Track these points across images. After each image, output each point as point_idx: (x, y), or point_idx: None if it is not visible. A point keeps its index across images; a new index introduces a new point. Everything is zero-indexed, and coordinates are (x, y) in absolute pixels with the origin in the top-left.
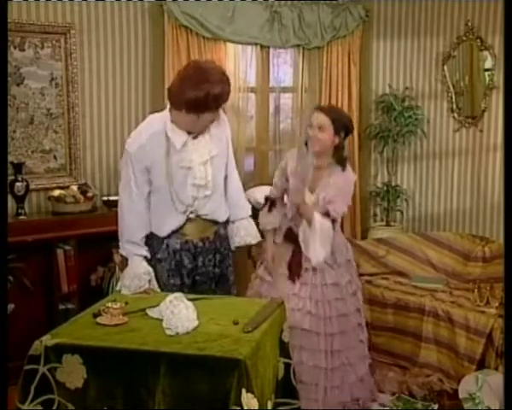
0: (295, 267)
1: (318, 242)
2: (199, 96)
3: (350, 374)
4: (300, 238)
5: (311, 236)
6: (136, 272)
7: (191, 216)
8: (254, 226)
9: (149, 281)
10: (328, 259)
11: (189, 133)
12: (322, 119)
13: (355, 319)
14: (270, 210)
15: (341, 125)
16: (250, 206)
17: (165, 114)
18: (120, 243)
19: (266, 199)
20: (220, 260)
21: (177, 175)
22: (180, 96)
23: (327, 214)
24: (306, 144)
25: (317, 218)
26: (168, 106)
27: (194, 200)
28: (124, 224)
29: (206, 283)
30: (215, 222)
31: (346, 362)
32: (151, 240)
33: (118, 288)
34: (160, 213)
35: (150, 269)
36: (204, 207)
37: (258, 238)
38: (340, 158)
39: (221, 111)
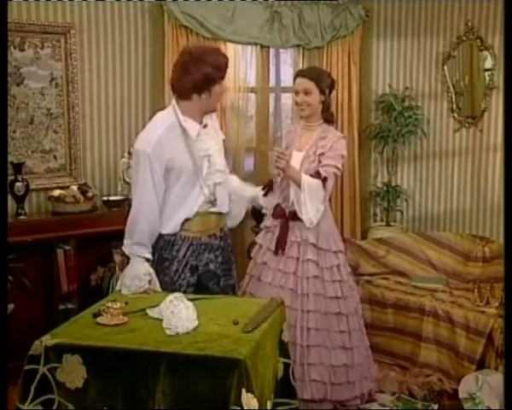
0: (281, 241)
1: (308, 202)
2: (206, 71)
3: (326, 357)
4: (294, 202)
5: (301, 196)
6: (137, 273)
7: (210, 208)
8: None
9: (149, 281)
10: (312, 238)
11: (199, 123)
12: (306, 83)
13: (334, 305)
14: (265, 195)
15: (325, 84)
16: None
17: (173, 109)
18: (127, 242)
19: (267, 183)
20: (225, 257)
21: (198, 162)
22: (187, 83)
23: (317, 174)
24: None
25: (305, 178)
26: (174, 101)
27: (215, 186)
28: (137, 226)
29: (212, 280)
30: (220, 216)
31: (322, 344)
32: (157, 239)
33: (118, 287)
34: (171, 209)
35: (151, 270)
36: (219, 193)
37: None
38: (328, 115)
39: None
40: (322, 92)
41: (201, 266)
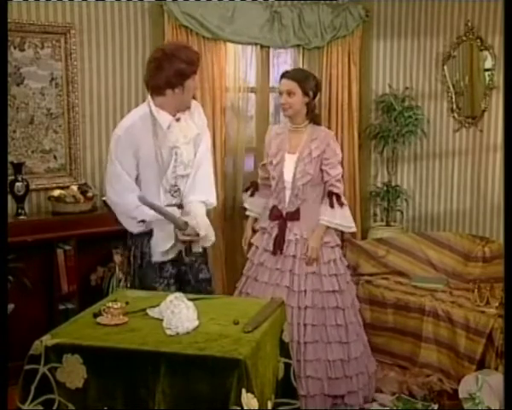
0: (279, 241)
1: (345, 223)
2: (179, 66)
3: (322, 352)
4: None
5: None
6: (174, 219)
7: (174, 201)
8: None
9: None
10: (310, 236)
11: (172, 115)
12: (288, 84)
13: (331, 299)
14: (252, 194)
15: (308, 86)
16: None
17: (148, 102)
18: (133, 228)
19: (251, 183)
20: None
21: (165, 155)
22: (161, 79)
23: (330, 193)
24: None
25: (330, 222)
26: (149, 97)
27: (178, 178)
28: (130, 208)
29: (190, 273)
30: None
31: (319, 339)
32: (135, 236)
33: (162, 249)
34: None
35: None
36: (183, 185)
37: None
38: (314, 117)
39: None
40: (305, 94)
41: (179, 259)
